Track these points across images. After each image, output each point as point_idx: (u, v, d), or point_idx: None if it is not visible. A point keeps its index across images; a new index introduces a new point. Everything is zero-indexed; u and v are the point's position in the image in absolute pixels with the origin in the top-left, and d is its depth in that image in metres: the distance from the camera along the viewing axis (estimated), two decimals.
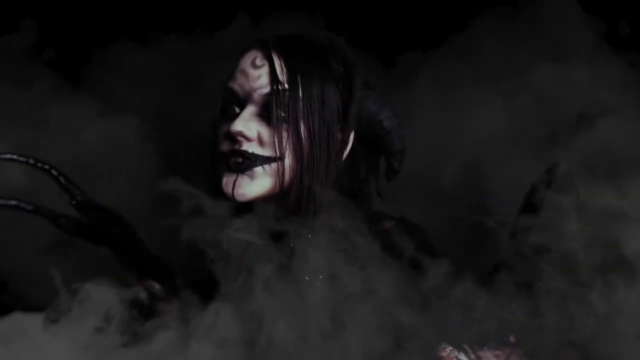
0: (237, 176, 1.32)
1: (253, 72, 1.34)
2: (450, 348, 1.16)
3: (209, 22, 1.95)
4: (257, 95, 1.33)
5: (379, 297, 1.13)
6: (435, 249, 1.34)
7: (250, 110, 1.33)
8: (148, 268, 1.27)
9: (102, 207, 1.27)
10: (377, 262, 1.16)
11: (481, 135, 1.82)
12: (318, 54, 1.38)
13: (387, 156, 1.43)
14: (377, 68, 1.89)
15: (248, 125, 1.32)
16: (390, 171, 1.44)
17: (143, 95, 1.99)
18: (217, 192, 1.32)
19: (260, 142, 1.33)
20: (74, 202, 1.28)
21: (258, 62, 1.35)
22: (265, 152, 1.32)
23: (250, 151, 1.32)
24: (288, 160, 1.32)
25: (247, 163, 1.31)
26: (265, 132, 1.32)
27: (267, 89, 1.33)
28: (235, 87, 1.36)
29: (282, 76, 1.33)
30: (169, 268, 1.30)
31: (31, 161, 1.28)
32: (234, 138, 1.32)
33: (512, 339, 1.13)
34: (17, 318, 1.10)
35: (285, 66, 1.33)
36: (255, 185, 1.33)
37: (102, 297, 1.10)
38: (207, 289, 1.22)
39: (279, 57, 1.35)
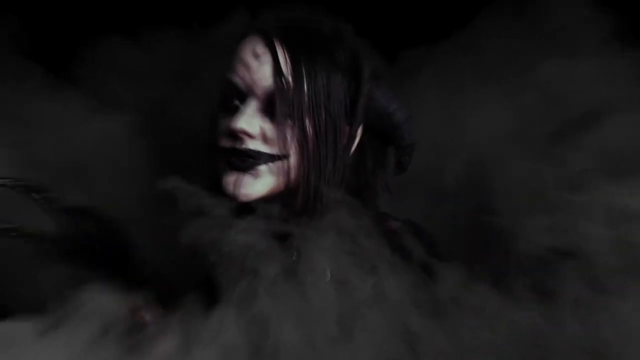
0: (240, 175, 1.28)
1: (254, 63, 1.29)
2: None
3: (204, 16, 1.92)
4: (259, 89, 1.29)
5: (388, 301, 1.12)
6: (443, 252, 1.31)
7: (252, 105, 1.29)
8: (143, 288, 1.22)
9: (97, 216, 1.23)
10: (386, 264, 1.13)
11: (485, 133, 1.80)
12: (322, 42, 1.33)
13: (396, 150, 1.40)
14: (378, 62, 1.87)
15: (251, 121, 1.28)
16: (398, 165, 1.40)
17: (137, 91, 1.96)
18: (218, 190, 1.28)
19: (264, 138, 1.28)
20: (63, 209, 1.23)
21: (259, 51, 1.30)
22: (270, 149, 1.28)
23: (255, 149, 1.28)
24: (293, 158, 1.28)
25: (250, 161, 1.27)
26: (269, 128, 1.28)
27: (269, 83, 1.28)
28: (236, 79, 1.31)
29: (285, 68, 1.28)
30: (165, 286, 1.26)
31: (7, 184, 1.24)
32: (236, 135, 1.27)
33: None
34: (9, 326, 1.07)
35: (289, 56, 1.28)
36: (259, 184, 1.29)
37: (99, 303, 1.07)
38: (208, 293, 1.19)
39: (281, 46, 1.29)
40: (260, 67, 1.29)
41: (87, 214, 1.27)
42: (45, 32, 1.94)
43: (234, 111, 1.31)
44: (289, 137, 1.28)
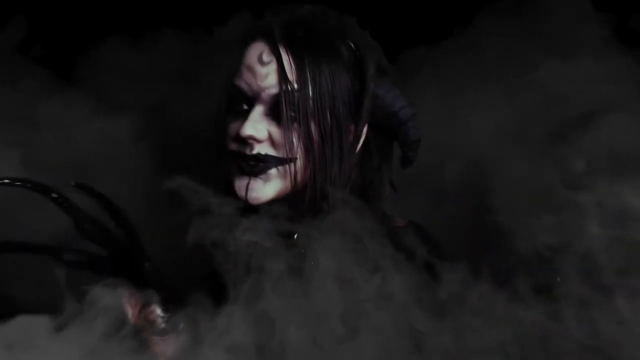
0: (250, 179, 1.30)
1: (260, 70, 1.31)
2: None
3: (206, 17, 1.93)
4: (265, 95, 1.31)
5: (393, 300, 1.12)
6: (447, 253, 1.33)
7: (258, 110, 1.31)
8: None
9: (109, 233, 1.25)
10: (390, 263, 1.15)
11: (485, 133, 1.82)
12: (327, 41, 1.35)
13: (402, 146, 1.41)
14: None
15: (258, 127, 1.30)
16: (404, 160, 1.42)
17: (138, 92, 1.98)
18: (227, 191, 1.30)
19: (272, 142, 1.31)
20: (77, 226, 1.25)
21: (265, 58, 1.31)
22: (278, 152, 1.30)
23: (264, 153, 1.30)
24: (300, 161, 1.30)
25: (260, 166, 1.29)
26: (275, 131, 1.30)
27: (275, 89, 1.30)
28: (242, 85, 1.33)
29: (290, 74, 1.30)
30: (172, 284, 1.27)
31: (28, 185, 1.25)
32: (245, 141, 1.30)
33: None
34: (22, 322, 1.09)
35: (294, 62, 1.30)
36: (269, 187, 1.31)
37: (112, 300, 1.08)
38: (214, 292, 1.20)
39: (286, 51, 1.31)
40: (266, 73, 1.31)
41: (107, 207, 1.28)
42: (47, 33, 1.95)
43: (240, 114, 1.33)
44: (295, 141, 1.30)
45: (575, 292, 1.07)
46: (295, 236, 1.25)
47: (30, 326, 1.09)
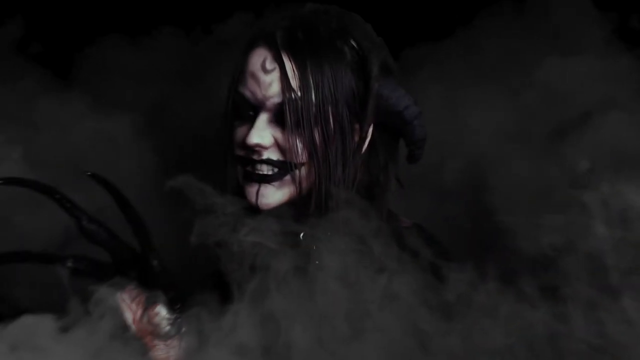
0: (260, 185, 1.32)
1: (264, 78, 1.32)
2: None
3: (205, 16, 1.94)
4: (270, 103, 1.32)
5: (399, 301, 1.12)
6: (452, 254, 1.34)
7: (263, 118, 1.32)
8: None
9: (113, 234, 1.25)
10: (396, 264, 1.15)
11: (485, 132, 1.83)
12: (329, 42, 1.34)
13: (408, 144, 1.42)
14: None
15: (263, 134, 1.32)
16: (411, 157, 1.43)
17: (137, 91, 1.99)
18: (238, 194, 1.31)
19: (278, 148, 1.32)
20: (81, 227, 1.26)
21: (268, 65, 1.32)
22: (284, 158, 1.32)
23: (271, 159, 1.32)
24: (306, 166, 1.31)
25: (269, 172, 1.31)
26: (281, 137, 1.32)
27: (279, 98, 1.31)
28: (247, 93, 1.34)
29: (293, 81, 1.31)
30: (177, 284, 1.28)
31: (33, 185, 1.26)
32: (252, 148, 1.31)
33: None
34: (26, 322, 1.09)
35: (297, 68, 1.31)
36: (279, 193, 1.33)
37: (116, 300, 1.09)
38: (219, 292, 1.21)
39: (289, 57, 1.32)
40: (270, 81, 1.32)
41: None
42: (46, 32, 1.96)
43: (246, 121, 1.34)
44: (300, 147, 1.31)
45: (581, 293, 1.07)
46: (301, 236, 1.25)
47: (34, 326, 1.09)
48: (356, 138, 1.35)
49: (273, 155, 1.32)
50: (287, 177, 1.32)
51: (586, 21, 1.76)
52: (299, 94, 1.30)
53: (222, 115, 1.37)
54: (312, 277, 1.19)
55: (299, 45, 1.33)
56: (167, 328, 1.22)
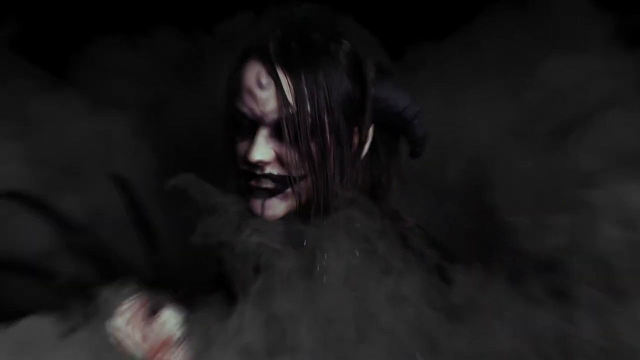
0: (265, 200, 1.32)
1: (260, 94, 1.32)
2: None
3: (203, 16, 1.94)
4: (268, 119, 1.32)
5: (404, 301, 1.13)
6: (456, 255, 1.34)
7: (263, 133, 1.33)
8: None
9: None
10: (401, 264, 1.16)
11: (487, 130, 1.83)
12: (323, 49, 1.34)
13: (409, 143, 1.43)
14: None
15: (264, 150, 1.32)
16: (413, 155, 1.44)
17: (134, 90, 1.99)
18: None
19: (280, 161, 1.33)
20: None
21: (263, 80, 1.32)
22: (286, 171, 1.32)
23: (273, 173, 1.32)
24: (306, 178, 1.32)
25: (271, 186, 1.32)
26: (281, 151, 1.32)
27: (277, 114, 1.31)
28: (245, 110, 1.34)
29: (289, 95, 1.31)
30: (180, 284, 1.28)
31: (18, 198, 1.25)
32: (254, 164, 1.31)
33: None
34: (31, 323, 1.09)
35: (291, 81, 1.31)
36: (283, 205, 1.33)
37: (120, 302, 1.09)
38: (223, 292, 1.21)
39: (283, 71, 1.31)
40: (266, 97, 1.32)
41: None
42: (43, 32, 1.96)
43: (247, 136, 1.35)
44: (299, 159, 1.31)
45: (587, 294, 1.07)
46: (305, 237, 1.25)
47: (39, 327, 1.10)
48: (355, 142, 1.36)
49: (274, 169, 1.32)
50: (290, 189, 1.32)
51: (586, 20, 1.77)
52: (295, 108, 1.30)
53: (222, 131, 1.37)
54: (316, 277, 1.19)
55: (293, 56, 1.32)
56: (180, 332, 1.21)
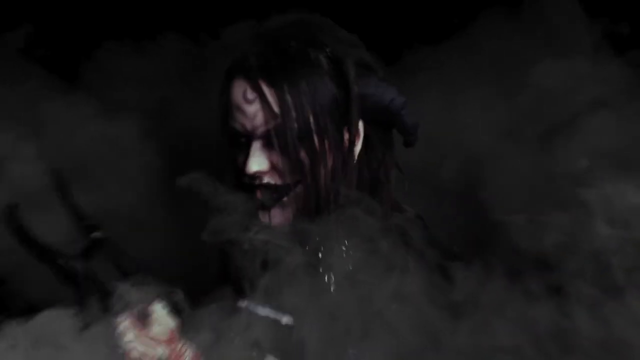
0: (270, 210, 1.38)
1: (248, 109, 1.38)
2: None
3: (209, 21, 1.97)
4: (259, 132, 1.38)
5: (407, 297, 1.17)
6: (456, 249, 1.38)
7: (257, 145, 1.38)
8: None
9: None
10: (404, 259, 1.18)
11: (482, 131, 1.86)
12: (303, 57, 1.38)
13: (401, 133, 1.47)
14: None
15: (259, 160, 1.38)
16: (407, 143, 1.48)
17: (142, 95, 2.02)
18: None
19: (275, 170, 1.37)
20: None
21: (249, 96, 1.38)
22: (283, 179, 1.37)
23: (272, 182, 1.38)
24: (301, 184, 1.37)
25: (272, 200, 1.37)
26: (275, 159, 1.37)
27: (265, 127, 1.37)
28: (237, 126, 1.40)
29: (275, 107, 1.36)
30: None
31: None
32: (253, 176, 1.37)
33: None
34: (49, 316, 1.12)
35: (275, 94, 1.36)
36: (287, 212, 1.39)
37: (136, 297, 1.12)
38: (232, 289, 1.25)
39: (266, 84, 1.37)
40: (254, 111, 1.38)
41: None
42: (53, 37, 1.99)
43: (242, 148, 1.40)
44: (290, 166, 1.37)
45: (583, 291, 1.11)
46: (310, 234, 1.29)
47: (56, 321, 1.12)
48: (346, 142, 1.40)
49: (272, 179, 1.38)
50: (289, 197, 1.38)
51: (577, 27, 1.81)
52: (281, 119, 1.35)
53: (219, 148, 1.43)
54: (321, 274, 1.23)
55: (273, 69, 1.37)
56: (174, 319, 1.24)
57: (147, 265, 1.35)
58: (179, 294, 1.20)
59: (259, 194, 1.37)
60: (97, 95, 1.97)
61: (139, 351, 1.18)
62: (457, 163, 1.91)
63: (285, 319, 1.25)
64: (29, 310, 1.18)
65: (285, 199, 1.37)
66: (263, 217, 1.38)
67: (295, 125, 1.35)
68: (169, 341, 1.21)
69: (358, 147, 1.43)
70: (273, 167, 1.37)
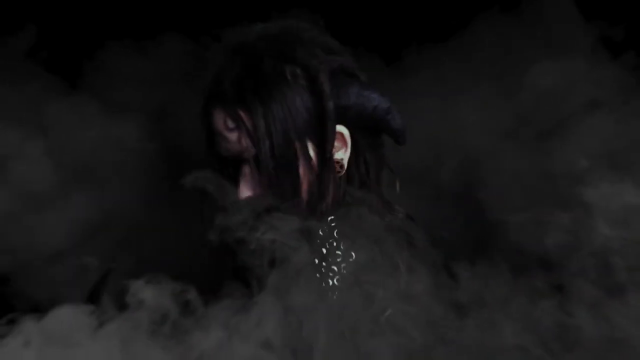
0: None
1: (230, 135, 1.41)
2: None
3: (211, 23, 1.99)
4: (245, 156, 1.41)
5: (412, 295, 1.19)
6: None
7: (246, 170, 1.41)
8: None
9: None
10: (405, 258, 1.21)
11: (483, 132, 1.89)
12: (277, 75, 1.39)
13: (389, 136, 1.48)
14: (379, 64, 1.95)
15: (249, 186, 1.41)
16: (398, 143, 1.49)
17: (144, 96, 2.03)
18: None
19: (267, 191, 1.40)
20: None
21: (229, 124, 1.40)
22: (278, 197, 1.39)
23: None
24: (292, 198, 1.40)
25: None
26: (265, 182, 1.40)
27: (247, 152, 1.39)
28: (223, 152, 1.43)
29: (254, 133, 1.38)
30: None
31: None
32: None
33: None
34: (62, 314, 1.14)
35: (252, 121, 1.38)
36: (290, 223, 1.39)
37: (153, 295, 1.14)
38: (238, 287, 1.27)
39: (243, 111, 1.39)
40: (236, 138, 1.40)
41: None
42: (55, 39, 2.01)
43: (232, 169, 1.43)
44: (277, 188, 1.39)
45: (584, 290, 1.13)
46: (316, 234, 1.32)
47: (69, 319, 1.14)
48: (327, 156, 1.41)
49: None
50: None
51: (574, 29, 1.84)
52: (259, 144, 1.37)
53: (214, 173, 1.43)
54: (327, 273, 1.25)
55: (248, 95, 1.39)
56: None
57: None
58: (192, 292, 1.22)
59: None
60: (99, 96, 1.99)
61: None
62: (457, 163, 1.94)
63: (294, 317, 1.27)
64: (34, 309, 1.18)
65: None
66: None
67: (274, 150, 1.37)
68: None
69: (347, 154, 1.44)
70: (265, 189, 1.40)
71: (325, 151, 1.40)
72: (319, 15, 1.86)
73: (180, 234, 1.89)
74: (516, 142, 1.85)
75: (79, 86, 2.00)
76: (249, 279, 1.30)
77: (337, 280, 1.30)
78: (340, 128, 1.43)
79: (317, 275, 1.29)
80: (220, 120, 1.42)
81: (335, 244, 1.34)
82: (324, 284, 1.29)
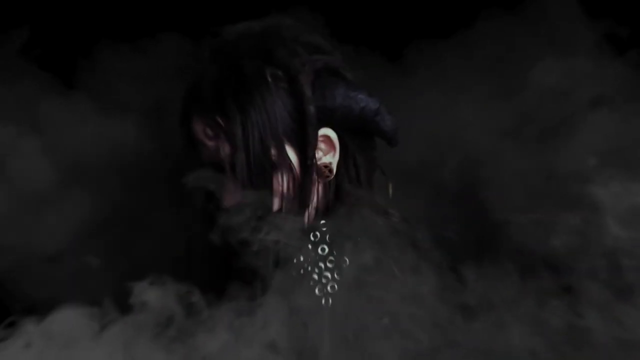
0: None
1: (211, 144, 1.41)
2: None
3: (209, 21, 1.99)
4: (227, 163, 1.39)
5: (417, 297, 1.19)
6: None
7: (229, 177, 1.40)
8: None
9: None
10: (415, 262, 1.21)
11: (483, 130, 1.89)
12: (258, 83, 1.38)
13: (380, 137, 1.47)
14: (380, 61, 1.95)
15: (234, 195, 1.39)
16: (390, 144, 1.48)
17: (140, 95, 2.03)
18: None
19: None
20: None
21: (209, 132, 1.41)
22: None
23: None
24: (281, 205, 1.40)
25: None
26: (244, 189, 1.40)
27: (228, 159, 1.39)
28: (206, 159, 1.43)
29: (233, 140, 1.37)
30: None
31: None
32: None
33: None
34: (63, 315, 1.14)
35: (231, 128, 1.37)
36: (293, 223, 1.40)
37: (156, 297, 1.14)
38: (241, 288, 1.27)
39: (222, 119, 1.39)
40: (216, 146, 1.40)
41: None
42: (50, 37, 2.00)
43: (219, 179, 1.42)
44: (260, 194, 1.38)
45: (594, 292, 1.13)
46: (319, 235, 1.31)
47: (71, 320, 1.14)
48: (312, 158, 1.39)
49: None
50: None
51: (578, 27, 1.84)
52: (237, 150, 1.37)
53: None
54: (330, 274, 1.25)
55: (227, 102, 1.38)
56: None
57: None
58: (196, 293, 1.22)
59: None
60: (94, 95, 1.99)
61: None
62: (457, 162, 1.94)
63: (299, 319, 1.27)
64: (29, 310, 1.18)
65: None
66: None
67: (253, 157, 1.36)
68: None
69: (336, 158, 1.42)
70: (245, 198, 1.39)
71: (306, 157, 1.39)
72: (319, 13, 1.87)
73: (179, 234, 1.89)
74: (519, 141, 1.85)
75: (75, 85, 1.99)
76: (252, 280, 1.30)
77: (330, 288, 1.28)
78: (327, 131, 1.41)
79: (310, 282, 1.28)
80: (200, 129, 1.42)
81: (327, 249, 1.32)
82: (317, 291, 1.28)
